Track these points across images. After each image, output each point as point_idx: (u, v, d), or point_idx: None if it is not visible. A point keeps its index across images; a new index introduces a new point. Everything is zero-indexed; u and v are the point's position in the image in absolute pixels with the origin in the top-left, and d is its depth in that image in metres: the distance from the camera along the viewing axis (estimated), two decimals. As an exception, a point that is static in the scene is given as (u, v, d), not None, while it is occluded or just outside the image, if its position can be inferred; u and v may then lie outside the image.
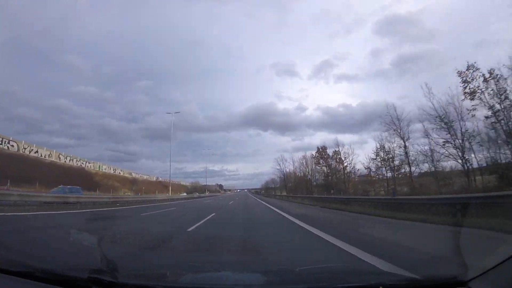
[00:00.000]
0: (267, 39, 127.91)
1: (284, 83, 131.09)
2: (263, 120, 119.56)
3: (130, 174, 55.59)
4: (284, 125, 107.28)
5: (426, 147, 20.08)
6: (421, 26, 70.76)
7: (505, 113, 15.53)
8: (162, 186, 58.00)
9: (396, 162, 23.83)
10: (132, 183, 48.07)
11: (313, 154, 42.57)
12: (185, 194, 53.61)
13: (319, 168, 41.57)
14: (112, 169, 50.68)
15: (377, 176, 27.66)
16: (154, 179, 63.64)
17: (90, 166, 43.89)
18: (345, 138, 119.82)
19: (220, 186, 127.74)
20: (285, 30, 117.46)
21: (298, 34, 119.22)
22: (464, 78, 17.59)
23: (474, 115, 17.15)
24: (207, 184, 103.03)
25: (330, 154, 38.28)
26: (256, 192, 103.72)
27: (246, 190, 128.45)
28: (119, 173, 52.63)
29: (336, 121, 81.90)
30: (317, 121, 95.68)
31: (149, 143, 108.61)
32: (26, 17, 72.17)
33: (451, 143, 17.94)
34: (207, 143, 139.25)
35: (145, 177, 60.61)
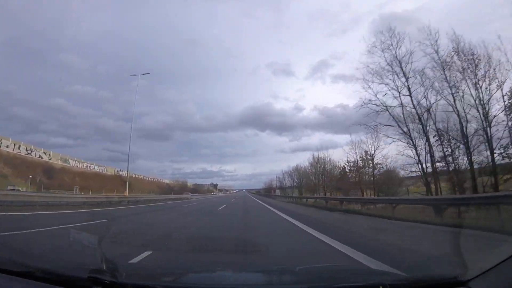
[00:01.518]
0: (264, 39, 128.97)
1: (281, 83, 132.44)
2: (261, 120, 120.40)
3: (65, 161, 39.06)
4: (281, 125, 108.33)
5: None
6: (418, 24, 70.34)
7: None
8: (122, 181, 40.85)
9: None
10: (48, 173, 30.61)
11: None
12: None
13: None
14: (26, 148, 33.37)
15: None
16: (114, 173, 49.31)
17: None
18: (343, 138, 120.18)
19: (215, 186, 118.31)
20: (282, 29, 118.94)
21: (295, 33, 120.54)
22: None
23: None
24: (199, 183, 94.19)
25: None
26: (258, 193, 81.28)
27: (244, 191, 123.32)
28: (40, 156, 34.85)
29: (333, 122, 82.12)
30: (314, 121, 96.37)
31: (145, 143, 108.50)
32: (24, 17, 71.78)
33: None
34: (205, 143, 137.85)
35: (96, 168, 44.59)
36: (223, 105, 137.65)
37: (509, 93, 11.25)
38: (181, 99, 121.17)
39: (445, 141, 12.34)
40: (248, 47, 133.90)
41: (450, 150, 12.15)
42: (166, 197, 33.88)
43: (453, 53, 11.79)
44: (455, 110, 11.56)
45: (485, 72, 11.30)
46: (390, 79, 13.16)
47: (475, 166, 11.61)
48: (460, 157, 11.85)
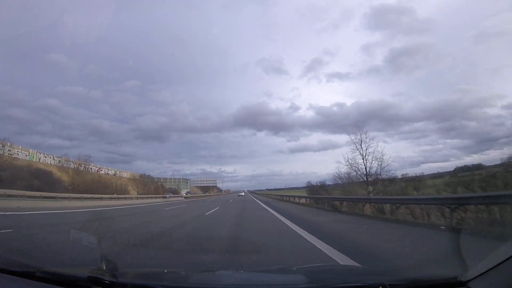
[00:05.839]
0: (254, 36, 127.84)
1: (274, 82, 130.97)
2: (257, 120, 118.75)
3: None
4: (278, 125, 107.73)
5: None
6: (413, 15, 69.02)
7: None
8: None
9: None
10: None
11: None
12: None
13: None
14: None
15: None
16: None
17: None
18: (341, 138, 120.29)
19: (185, 181, 67.29)
20: (271, 26, 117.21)
21: (284, 30, 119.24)
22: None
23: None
24: (166, 176, 59.60)
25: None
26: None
27: (246, 191, 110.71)
28: None
29: (331, 121, 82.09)
30: (311, 121, 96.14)
31: (143, 144, 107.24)
32: (16, 18, 70.53)
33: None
34: (204, 144, 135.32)
35: None
36: (219, 105, 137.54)
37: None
38: (176, 100, 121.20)
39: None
40: (240, 45, 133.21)
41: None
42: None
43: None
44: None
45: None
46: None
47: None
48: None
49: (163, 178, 62.12)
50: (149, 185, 50.44)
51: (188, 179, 69.99)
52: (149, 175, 56.46)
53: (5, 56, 72.40)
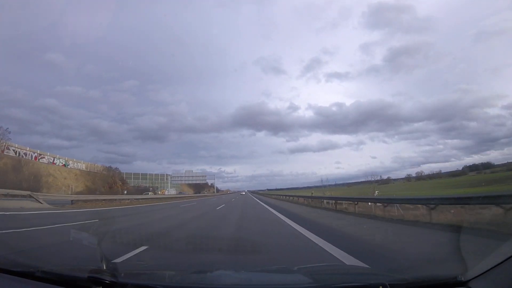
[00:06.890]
0: (254, 36, 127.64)
1: (273, 82, 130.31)
2: (256, 120, 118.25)
3: None
4: (277, 125, 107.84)
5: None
6: (413, 14, 68.47)
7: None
8: None
9: None
10: None
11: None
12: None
13: None
14: None
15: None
16: None
17: None
18: (341, 139, 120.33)
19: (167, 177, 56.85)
20: (269, 26, 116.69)
21: (283, 30, 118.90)
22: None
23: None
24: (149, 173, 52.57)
25: None
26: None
27: (246, 191, 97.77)
28: None
29: (330, 121, 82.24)
30: (311, 121, 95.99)
31: (142, 144, 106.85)
32: (16, 18, 70.38)
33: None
34: (203, 145, 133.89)
35: None
36: (218, 105, 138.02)
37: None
38: (175, 100, 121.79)
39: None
40: (239, 45, 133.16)
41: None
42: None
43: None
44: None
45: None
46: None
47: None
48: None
49: (141, 174, 55.14)
50: (111, 180, 40.13)
51: (168, 175, 57.69)
52: (116, 169, 46.35)
53: (5, 56, 72.65)
